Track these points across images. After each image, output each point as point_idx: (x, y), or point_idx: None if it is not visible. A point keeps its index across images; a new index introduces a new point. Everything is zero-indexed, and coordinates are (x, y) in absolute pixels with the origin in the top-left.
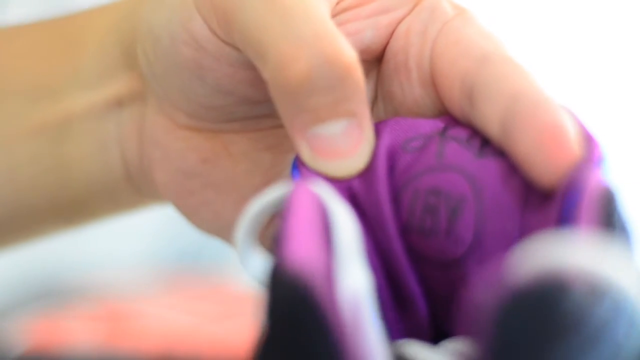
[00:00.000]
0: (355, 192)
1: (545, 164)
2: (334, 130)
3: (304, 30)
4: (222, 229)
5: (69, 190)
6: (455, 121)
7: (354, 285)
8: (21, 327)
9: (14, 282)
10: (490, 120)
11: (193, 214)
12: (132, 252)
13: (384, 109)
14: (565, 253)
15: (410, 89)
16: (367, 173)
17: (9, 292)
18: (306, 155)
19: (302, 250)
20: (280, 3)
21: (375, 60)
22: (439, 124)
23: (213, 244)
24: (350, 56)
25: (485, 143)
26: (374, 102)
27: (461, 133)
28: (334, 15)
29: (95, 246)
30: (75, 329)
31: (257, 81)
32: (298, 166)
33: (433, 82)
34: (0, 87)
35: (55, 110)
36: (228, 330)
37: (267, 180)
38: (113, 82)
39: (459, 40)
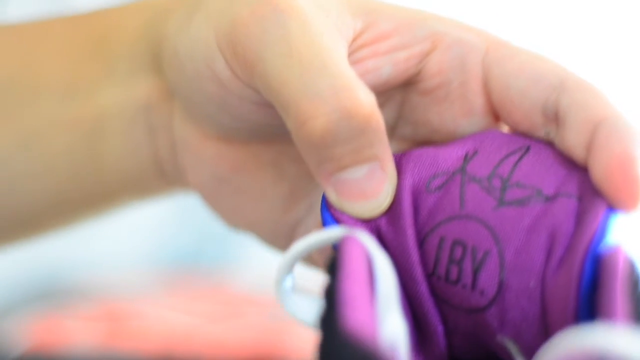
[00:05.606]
0: (382, 232)
1: (615, 193)
2: (357, 174)
3: (321, 85)
4: (250, 228)
5: (103, 184)
6: (475, 146)
7: (393, 331)
8: (21, 327)
9: (14, 282)
10: (576, 146)
11: (224, 214)
12: (132, 252)
13: (414, 132)
14: (608, 341)
15: (452, 120)
16: (393, 214)
17: (9, 292)
18: (333, 199)
19: (364, 322)
20: (298, 56)
21: (394, 89)
22: (459, 153)
23: (213, 244)
24: (368, 106)
25: (506, 180)
26: (395, 127)
27: (482, 169)
28: (352, 52)
29: (95, 246)
30: (75, 329)
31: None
32: (327, 206)
33: (486, 112)
34: (35, 85)
35: (88, 108)
36: (228, 330)
37: (293, 189)
38: (143, 83)
39: (522, 69)
